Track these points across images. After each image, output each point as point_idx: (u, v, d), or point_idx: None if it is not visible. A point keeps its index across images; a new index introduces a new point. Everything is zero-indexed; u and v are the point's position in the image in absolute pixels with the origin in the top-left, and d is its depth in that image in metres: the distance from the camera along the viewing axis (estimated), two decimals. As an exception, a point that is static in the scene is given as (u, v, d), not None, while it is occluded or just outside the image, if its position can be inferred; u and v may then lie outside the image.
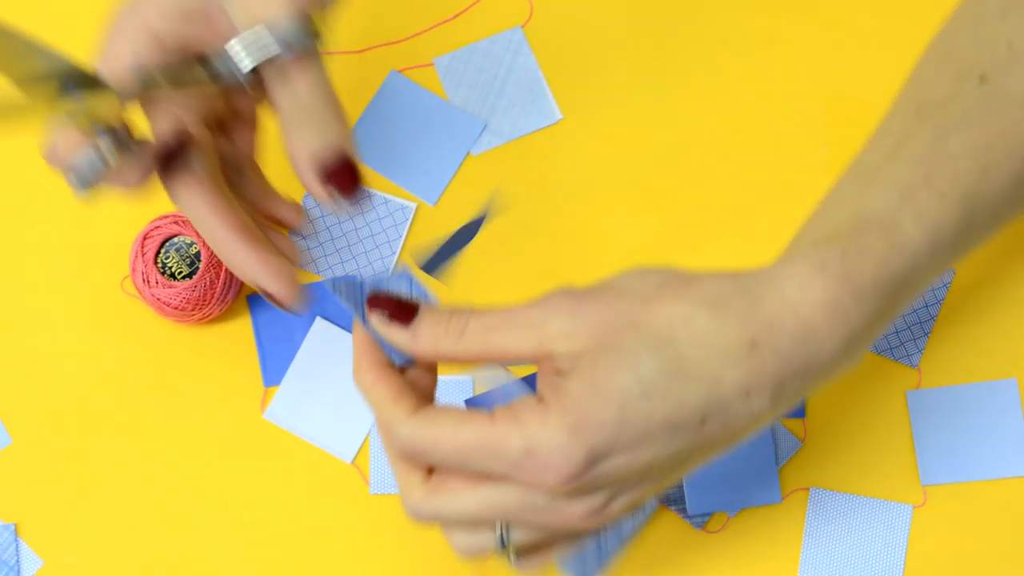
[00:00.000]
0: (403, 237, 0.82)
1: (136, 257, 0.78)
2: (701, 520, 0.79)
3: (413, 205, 0.82)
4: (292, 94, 0.63)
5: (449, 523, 0.61)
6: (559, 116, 0.84)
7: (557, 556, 0.66)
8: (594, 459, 0.57)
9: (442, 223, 0.82)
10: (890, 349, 0.81)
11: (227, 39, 0.63)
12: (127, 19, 0.64)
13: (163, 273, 0.78)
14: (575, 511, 0.59)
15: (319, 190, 0.64)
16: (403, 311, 0.61)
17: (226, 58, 0.63)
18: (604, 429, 0.56)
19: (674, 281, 0.58)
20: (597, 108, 0.84)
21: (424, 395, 0.63)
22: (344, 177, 0.64)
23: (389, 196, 0.82)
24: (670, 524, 0.79)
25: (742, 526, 0.79)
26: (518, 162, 0.83)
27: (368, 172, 0.83)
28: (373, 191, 0.82)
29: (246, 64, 0.62)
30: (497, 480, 0.59)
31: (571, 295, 0.59)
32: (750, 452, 0.79)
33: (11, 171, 0.83)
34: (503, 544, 0.61)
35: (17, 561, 0.78)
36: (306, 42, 0.62)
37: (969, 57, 0.66)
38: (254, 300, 0.81)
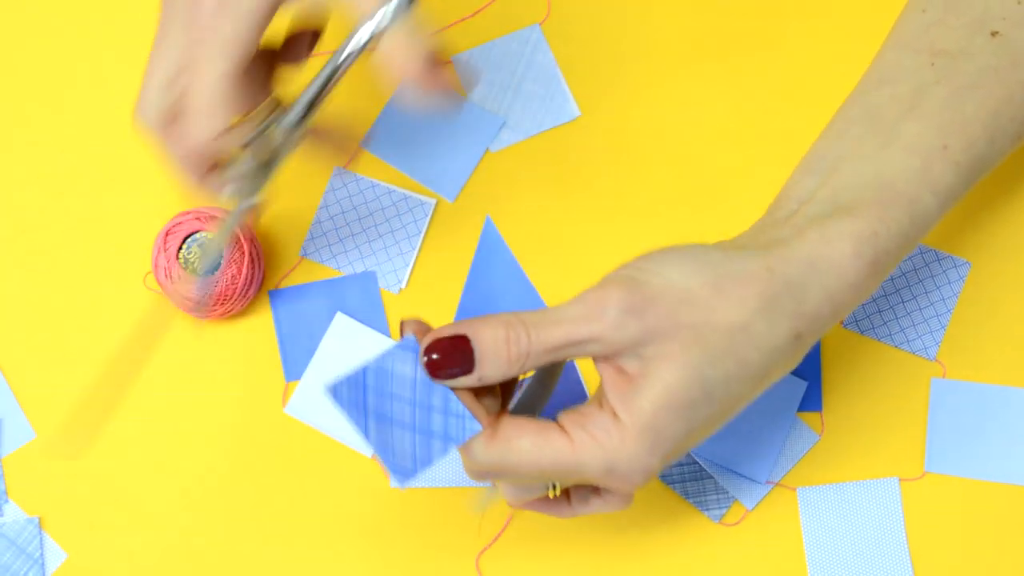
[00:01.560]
0: (422, 233, 0.82)
1: (158, 252, 0.79)
2: (719, 513, 0.79)
3: (432, 201, 0.83)
4: (393, 36, 0.63)
5: (509, 474, 0.64)
6: (577, 113, 0.84)
7: None
8: (664, 460, 0.63)
9: (461, 219, 0.83)
10: (907, 342, 0.81)
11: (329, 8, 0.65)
12: None
13: (185, 268, 0.78)
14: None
15: (418, 87, 0.64)
16: (459, 355, 0.63)
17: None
18: (676, 440, 0.63)
19: (726, 281, 0.62)
20: (615, 105, 0.84)
21: (492, 408, 0.66)
22: (440, 77, 0.64)
23: (408, 192, 0.83)
24: (687, 517, 0.79)
25: (759, 520, 0.79)
26: (536, 158, 0.84)
27: (387, 168, 0.83)
28: (393, 187, 0.83)
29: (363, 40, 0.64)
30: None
31: (626, 288, 0.62)
32: (763, 426, 0.80)
33: (35, 167, 0.84)
34: (552, 487, 0.67)
35: (41, 554, 0.79)
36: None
37: (979, 6, 0.70)
38: (275, 295, 0.82)
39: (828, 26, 0.85)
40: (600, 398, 0.63)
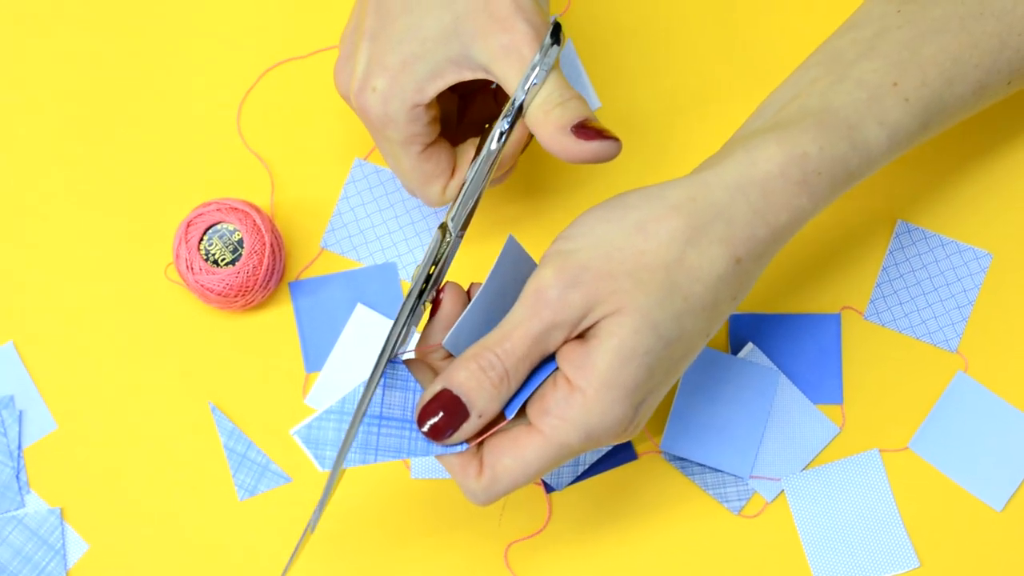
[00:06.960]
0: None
1: (180, 244, 0.79)
2: (738, 505, 0.79)
3: (453, 193, 0.83)
4: (543, 93, 0.68)
5: (514, 490, 0.65)
6: (598, 104, 0.84)
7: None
8: (636, 408, 0.64)
9: (482, 209, 0.82)
10: (929, 334, 0.81)
11: (473, 76, 0.69)
12: (401, 82, 0.69)
13: (206, 260, 0.78)
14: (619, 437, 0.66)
15: (578, 148, 0.67)
16: (450, 408, 0.64)
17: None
18: (640, 388, 0.63)
19: (648, 221, 0.63)
20: (635, 96, 0.84)
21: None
22: (593, 132, 0.67)
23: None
24: (708, 509, 0.79)
25: (779, 512, 0.79)
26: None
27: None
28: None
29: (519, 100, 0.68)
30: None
31: (556, 266, 0.63)
32: (744, 421, 0.80)
33: (56, 158, 0.84)
34: None
35: (63, 545, 0.79)
36: (554, 58, 0.67)
37: None
38: (296, 287, 0.82)
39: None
40: (555, 377, 0.64)
